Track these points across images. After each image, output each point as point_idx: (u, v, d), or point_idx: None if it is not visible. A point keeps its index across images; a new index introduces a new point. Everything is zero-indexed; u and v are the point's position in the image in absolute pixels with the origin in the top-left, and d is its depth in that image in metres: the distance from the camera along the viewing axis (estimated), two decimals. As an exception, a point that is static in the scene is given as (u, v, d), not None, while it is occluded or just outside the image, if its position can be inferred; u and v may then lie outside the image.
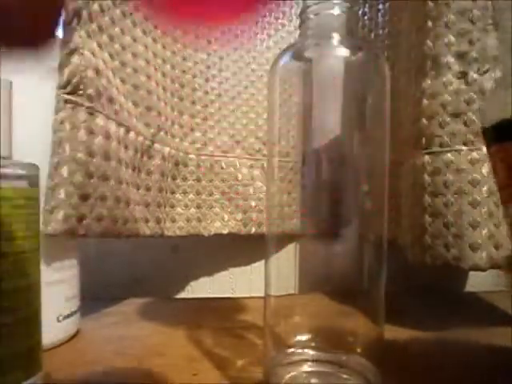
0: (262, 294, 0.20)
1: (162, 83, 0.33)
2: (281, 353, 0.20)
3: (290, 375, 0.18)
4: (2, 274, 0.15)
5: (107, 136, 0.26)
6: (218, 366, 0.22)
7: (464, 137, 0.26)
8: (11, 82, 0.17)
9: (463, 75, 0.26)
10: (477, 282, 0.42)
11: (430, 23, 0.27)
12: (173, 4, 0.09)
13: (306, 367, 0.19)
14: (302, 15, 0.18)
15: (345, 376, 0.18)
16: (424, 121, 0.27)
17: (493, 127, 0.17)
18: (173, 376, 0.21)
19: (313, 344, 0.19)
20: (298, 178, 0.20)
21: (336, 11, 0.18)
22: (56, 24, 0.09)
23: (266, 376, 0.19)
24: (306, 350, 0.19)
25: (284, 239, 0.19)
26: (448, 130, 0.27)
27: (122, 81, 0.29)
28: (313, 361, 0.19)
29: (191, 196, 0.36)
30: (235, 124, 0.38)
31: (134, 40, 0.30)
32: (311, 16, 0.18)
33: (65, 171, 0.23)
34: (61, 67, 0.24)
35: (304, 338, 0.20)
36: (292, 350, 0.20)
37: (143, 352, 0.25)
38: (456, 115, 0.26)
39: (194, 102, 0.37)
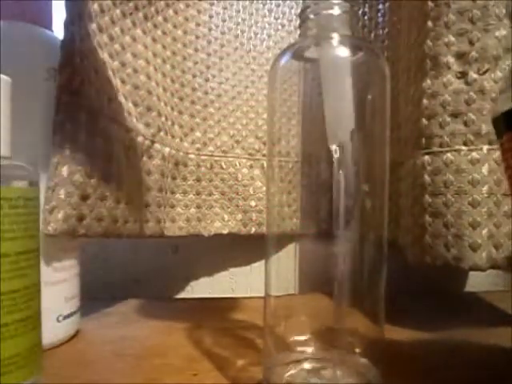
0: (262, 294, 0.20)
1: (162, 83, 0.33)
2: (280, 352, 0.20)
3: (289, 373, 0.18)
4: (2, 274, 0.15)
5: (107, 136, 0.26)
6: (218, 366, 0.22)
7: (464, 137, 0.26)
8: (11, 82, 0.17)
9: (463, 75, 0.26)
10: (477, 282, 0.42)
11: (429, 23, 0.27)
12: None
13: (306, 365, 0.19)
14: (302, 15, 0.18)
15: (345, 373, 0.18)
16: (424, 121, 0.27)
17: (503, 115, 0.16)
18: (173, 376, 0.21)
19: (312, 343, 0.19)
20: (298, 178, 0.20)
21: (336, 11, 0.18)
22: None
23: (266, 375, 0.19)
24: (305, 348, 0.19)
25: (284, 239, 0.19)
26: (448, 130, 0.27)
27: (122, 81, 0.29)
28: (312, 359, 0.19)
29: (191, 196, 0.36)
30: (235, 124, 0.38)
31: (134, 40, 0.30)
32: (311, 16, 0.18)
33: (65, 171, 0.23)
34: (61, 67, 0.24)
35: (304, 337, 0.20)
36: (292, 347, 0.20)
37: (143, 352, 0.25)
38: (456, 115, 0.26)
39: (193, 102, 0.37)
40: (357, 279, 0.19)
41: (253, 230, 0.38)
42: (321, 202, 0.19)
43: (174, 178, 0.35)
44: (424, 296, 0.37)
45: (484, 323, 0.30)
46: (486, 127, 0.26)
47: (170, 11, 0.34)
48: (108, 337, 0.27)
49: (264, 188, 0.38)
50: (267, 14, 0.40)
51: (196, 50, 0.37)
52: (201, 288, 0.42)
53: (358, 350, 0.19)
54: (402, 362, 0.23)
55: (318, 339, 0.20)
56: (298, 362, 0.19)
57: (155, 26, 0.33)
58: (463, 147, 0.26)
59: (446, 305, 0.36)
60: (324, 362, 0.19)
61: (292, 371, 0.19)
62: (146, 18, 0.31)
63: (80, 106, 0.24)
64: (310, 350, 0.19)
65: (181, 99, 0.36)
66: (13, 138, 0.17)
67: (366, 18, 0.39)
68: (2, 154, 0.16)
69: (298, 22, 0.19)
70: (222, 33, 0.38)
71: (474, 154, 0.26)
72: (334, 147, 0.18)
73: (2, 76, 0.16)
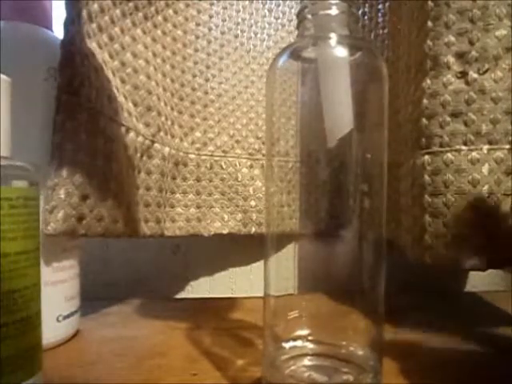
0: (262, 294, 0.20)
1: (162, 83, 0.33)
2: (280, 349, 0.20)
3: (290, 369, 0.19)
4: (2, 274, 0.15)
5: (107, 136, 0.26)
6: (218, 366, 0.22)
7: (464, 137, 0.26)
8: (11, 82, 0.17)
9: (463, 75, 0.26)
10: (477, 282, 0.42)
11: (429, 23, 0.27)
12: None
13: (306, 362, 0.19)
14: (300, 15, 0.18)
15: (345, 370, 0.18)
16: (424, 121, 0.27)
17: None
18: (173, 376, 0.21)
19: (312, 341, 0.19)
20: (298, 178, 0.20)
21: (334, 11, 0.18)
22: None
23: (266, 372, 0.19)
24: (305, 344, 0.19)
25: (284, 239, 0.19)
26: (448, 130, 0.26)
27: (122, 81, 0.29)
28: (313, 355, 0.19)
29: (191, 196, 0.36)
30: (235, 124, 0.38)
31: (134, 40, 0.30)
32: (309, 16, 0.18)
33: (65, 171, 0.23)
34: (61, 67, 0.24)
35: (304, 335, 0.20)
36: (292, 343, 0.20)
37: (143, 352, 0.25)
38: (456, 115, 0.26)
39: (193, 102, 0.37)
40: (356, 279, 0.19)
41: (253, 229, 0.38)
42: (320, 202, 0.19)
43: (173, 178, 0.35)
44: (424, 296, 0.37)
45: (484, 323, 0.30)
46: (486, 127, 0.26)
47: (170, 11, 0.34)
48: (108, 337, 0.27)
49: (264, 188, 0.38)
50: (267, 13, 0.40)
51: (196, 49, 0.37)
52: (201, 288, 0.42)
53: (358, 349, 0.19)
54: (402, 361, 0.23)
55: (318, 337, 0.20)
56: (299, 358, 0.19)
57: (155, 25, 0.33)
58: (463, 147, 0.26)
59: (446, 305, 0.36)
60: (324, 358, 0.19)
61: (292, 367, 0.19)
62: (145, 17, 0.31)
63: (80, 105, 0.24)
64: (310, 346, 0.19)
65: (181, 99, 0.36)
66: (13, 138, 0.17)
67: (365, 17, 0.39)
68: (1, 154, 0.16)
69: (297, 21, 0.19)
70: (222, 33, 0.38)
71: (474, 154, 0.26)
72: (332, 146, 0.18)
73: (2, 76, 0.16)
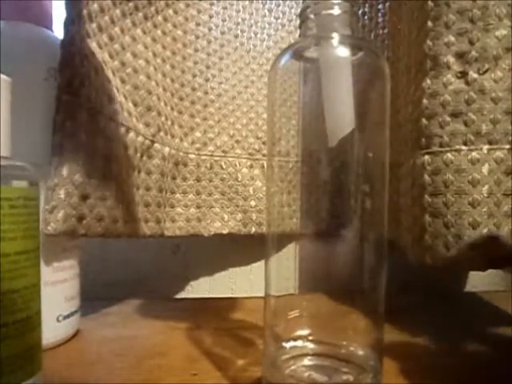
0: (262, 294, 0.20)
1: (162, 83, 0.33)
2: (281, 349, 0.20)
3: (290, 369, 0.19)
4: (2, 274, 0.15)
5: (107, 136, 0.26)
6: (218, 366, 0.22)
7: (464, 137, 0.26)
8: (11, 82, 0.17)
9: (463, 75, 0.26)
10: (477, 282, 0.42)
11: (429, 23, 0.27)
12: None
13: (306, 361, 0.19)
14: (302, 15, 0.18)
15: (345, 370, 0.18)
16: (424, 121, 0.27)
17: None
18: (173, 376, 0.21)
19: (313, 340, 0.20)
20: (298, 177, 0.20)
21: (336, 11, 0.18)
22: None
23: (266, 372, 0.19)
24: (306, 344, 0.19)
25: (284, 239, 0.19)
26: (448, 130, 0.27)
27: (122, 81, 0.29)
28: (313, 355, 0.19)
29: (191, 196, 0.36)
30: (235, 124, 0.38)
31: (134, 40, 0.30)
32: (311, 16, 0.18)
33: (65, 171, 0.23)
34: (61, 67, 0.24)
35: (304, 335, 0.20)
36: (292, 343, 0.20)
37: (143, 352, 0.25)
38: (456, 115, 0.26)
39: (193, 102, 0.37)
40: (357, 279, 0.19)
41: (253, 229, 0.38)
42: (321, 201, 0.19)
43: (173, 178, 0.35)
44: (424, 296, 0.37)
45: (484, 323, 0.30)
46: (486, 127, 0.26)
47: (170, 11, 0.34)
48: (108, 337, 0.27)
49: (264, 188, 0.38)
50: (267, 13, 0.40)
51: (196, 49, 0.37)
52: (201, 288, 0.42)
53: (358, 349, 0.19)
54: (402, 361, 0.23)
55: (319, 337, 0.20)
56: (299, 358, 0.19)
57: (155, 25, 0.33)
58: (463, 147, 0.26)
59: (446, 305, 0.36)
60: (325, 358, 0.19)
61: (293, 367, 0.19)
62: (145, 17, 0.31)
63: (80, 105, 0.24)
64: (310, 346, 0.19)
65: (181, 99, 0.36)
66: (13, 137, 0.17)
67: (365, 17, 0.39)
68: (1, 154, 0.16)
69: (298, 21, 0.19)
70: (222, 33, 0.38)
71: (474, 154, 0.26)
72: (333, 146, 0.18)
73: (2, 76, 0.16)
